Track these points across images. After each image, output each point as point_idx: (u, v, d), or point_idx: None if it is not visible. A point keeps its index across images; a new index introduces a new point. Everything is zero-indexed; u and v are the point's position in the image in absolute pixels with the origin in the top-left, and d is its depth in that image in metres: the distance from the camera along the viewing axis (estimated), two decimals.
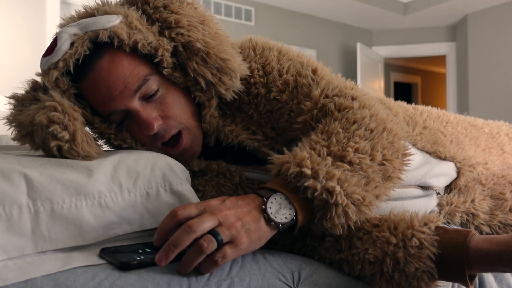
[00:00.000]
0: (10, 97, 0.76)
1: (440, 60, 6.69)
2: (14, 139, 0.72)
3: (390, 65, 7.18)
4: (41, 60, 0.73)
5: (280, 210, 0.60)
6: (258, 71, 0.81)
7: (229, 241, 0.56)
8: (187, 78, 0.77)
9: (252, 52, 0.84)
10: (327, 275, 0.66)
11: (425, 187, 0.93)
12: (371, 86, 5.52)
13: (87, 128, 0.77)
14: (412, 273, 0.60)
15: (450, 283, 0.77)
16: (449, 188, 1.00)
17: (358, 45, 5.29)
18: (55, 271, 0.54)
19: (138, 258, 0.57)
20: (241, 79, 0.81)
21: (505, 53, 4.95)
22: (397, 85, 7.70)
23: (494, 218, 0.94)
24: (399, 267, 0.61)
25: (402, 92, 7.68)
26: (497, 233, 0.94)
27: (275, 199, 0.61)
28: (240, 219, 0.57)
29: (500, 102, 4.96)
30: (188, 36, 0.75)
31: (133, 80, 0.73)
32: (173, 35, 0.76)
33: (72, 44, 0.71)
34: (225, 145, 0.83)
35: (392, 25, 5.75)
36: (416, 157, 0.87)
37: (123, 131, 0.78)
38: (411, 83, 8.10)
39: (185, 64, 0.76)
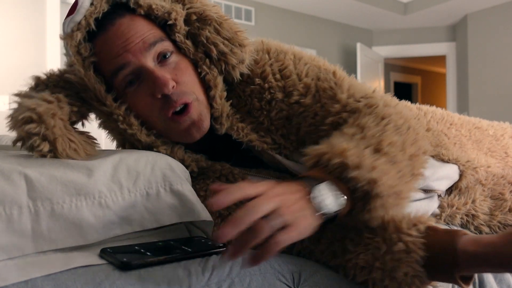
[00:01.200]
0: (15, 95, 0.76)
1: (440, 60, 6.68)
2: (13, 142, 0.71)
3: (390, 65, 7.18)
4: (64, 23, 0.75)
5: (327, 199, 0.59)
6: (274, 75, 0.80)
7: (283, 227, 0.53)
8: (197, 51, 0.79)
9: (267, 55, 0.83)
10: (327, 277, 0.66)
11: (427, 190, 0.93)
12: (371, 86, 5.51)
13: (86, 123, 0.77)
14: (401, 278, 0.59)
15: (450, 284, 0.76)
16: (449, 189, 1.00)
17: (358, 45, 5.28)
18: (55, 271, 0.54)
19: (139, 258, 0.57)
20: (254, 84, 0.81)
21: (505, 53, 4.95)
22: (397, 85, 7.69)
23: (494, 219, 0.94)
24: (388, 273, 0.60)
25: (402, 92, 7.67)
26: (496, 233, 0.94)
27: (322, 188, 0.59)
28: (293, 205, 0.55)
29: (500, 102, 4.95)
30: (202, 8, 0.78)
31: (150, 36, 0.75)
32: (187, 7, 0.78)
33: (92, 4, 0.74)
34: (235, 139, 0.81)
35: (392, 25, 5.74)
36: None
37: (131, 116, 0.76)
38: (411, 83, 8.10)
39: (197, 35, 0.78)
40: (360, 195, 0.61)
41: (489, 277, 0.83)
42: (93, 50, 0.75)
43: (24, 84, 0.80)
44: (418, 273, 0.59)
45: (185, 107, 0.76)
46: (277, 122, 0.81)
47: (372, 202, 0.60)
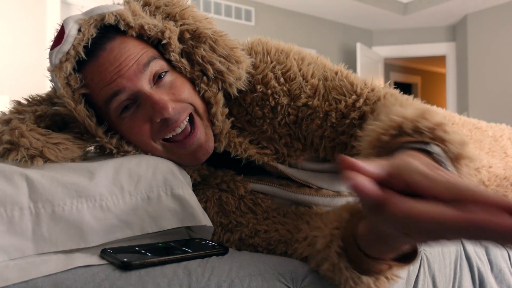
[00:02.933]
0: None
1: (440, 60, 6.68)
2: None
3: (390, 65, 7.18)
4: (50, 54, 0.70)
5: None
6: (277, 79, 0.76)
7: None
8: (193, 69, 0.75)
9: (267, 58, 0.79)
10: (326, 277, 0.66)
11: None
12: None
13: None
14: (330, 271, 0.57)
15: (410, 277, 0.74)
16: None
17: (358, 45, 5.28)
18: (55, 272, 0.54)
19: (139, 259, 0.58)
20: (256, 92, 0.77)
21: (505, 53, 4.95)
22: (397, 85, 7.63)
23: None
24: (320, 269, 0.60)
25: (402, 92, 7.66)
26: None
27: (437, 150, 0.52)
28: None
29: (499, 102, 4.96)
30: (195, 24, 0.75)
31: (144, 56, 0.71)
32: (179, 24, 0.75)
33: (79, 31, 0.70)
34: (234, 156, 0.79)
35: (392, 25, 5.74)
36: None
37: (124, 144, 0.74)
38: (411, 83, 8.10)
39: (192, 54, 0.75)
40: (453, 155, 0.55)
41: (489, 277, 0.83)
42: (84, 80, 0.71)
43: (21, 87, 0.78)
44: (339, 264, 0.55)
45: (190, 127, 0.73)
46: (281, 130, 0.78)
47: (462, 159, 0.55)
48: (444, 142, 0.54)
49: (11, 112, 0.74)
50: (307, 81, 0.76)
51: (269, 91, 0.76)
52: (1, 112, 0.74)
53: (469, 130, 1.16)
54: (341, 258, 0.55)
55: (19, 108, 0.74)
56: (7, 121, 0.69)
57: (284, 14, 5.08)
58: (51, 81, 0.74)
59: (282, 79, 0.76)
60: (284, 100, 0.76)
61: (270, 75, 0.76)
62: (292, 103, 0.76)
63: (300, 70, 0.77)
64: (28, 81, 3.11)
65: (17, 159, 0.64)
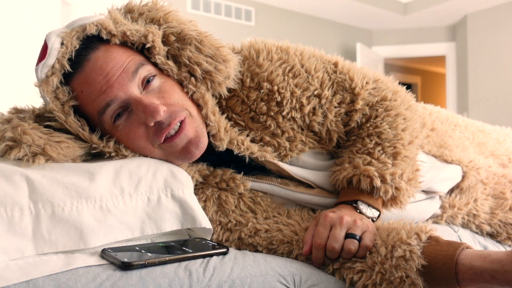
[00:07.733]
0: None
1: (440, 60, 6.68)
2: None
3: (390, 65, 7.17)
4: (36, 69, 0.70)
5: (368, 212, 0.75)
6: (283, 75, 0.80)
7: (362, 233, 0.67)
8: (180, 71, 0.75)
9: (274, 56, 0.81)
10: (327, 280, 0.66)
11: (429, 192, 0.93)
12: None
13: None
14: (397, 283, 0.60)
15: None
16: (451, 188, 1.00)
17: (358, 45, 5.28)
18: (56, 272, 0.54)
19: (140, 259, 0.57)
20: (262, 89, 0.80)
21: (504, 53, 4.94)
22: None
23: (494, 217, 0.95)
24: (386, 278, 0.61)
25: None
26: (497, 232, 0.94)
27: (362, 205, 0.76)
28: (356, 218, 0.69)
29: (499, 102, 4.95)
30: (179, 27, 0.75)
31: (131, 63, 0.71)
32: (163, 28, 0.75)
33: (62, 44, 0.69)
34: (237, 153, 0.80)
35: (392, 25, 5.74)
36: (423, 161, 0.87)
37: (122, 147, 0.73)
38: (411, 83, 8.10)
39: (178, 56, 0.75)
40: (391, 196, 0.77)
41: None
42: (72, 93, 0.71)
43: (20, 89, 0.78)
44: (415, 280, 0.59)
45: (179, 125, 0.73)
46: (284, 125, 0.80)
47: (399, 198, 0.77)
48: (379, 192, 0.76)
49: (9, 113, 0.74)
50: (312, 75, 0.81)
51: (275, 87, 0.80)
52: (0, 113, 0.74)
53: (472, 133, 1.16)
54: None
55: (17, 108, 0.74)
56: (8, 120, 0.70)
57: (284, 14, 5.08)
58: (40, 96, 0.74)
59: (290, 74, 0.81)
60: (296, 92, 0.81)
61: (278, 71, 0.80)
62: (304, 94, 0.81)
63: (302, 66, 0.82)
64: (27, 81, 3.11)
65: (19, 156, 0.64)
